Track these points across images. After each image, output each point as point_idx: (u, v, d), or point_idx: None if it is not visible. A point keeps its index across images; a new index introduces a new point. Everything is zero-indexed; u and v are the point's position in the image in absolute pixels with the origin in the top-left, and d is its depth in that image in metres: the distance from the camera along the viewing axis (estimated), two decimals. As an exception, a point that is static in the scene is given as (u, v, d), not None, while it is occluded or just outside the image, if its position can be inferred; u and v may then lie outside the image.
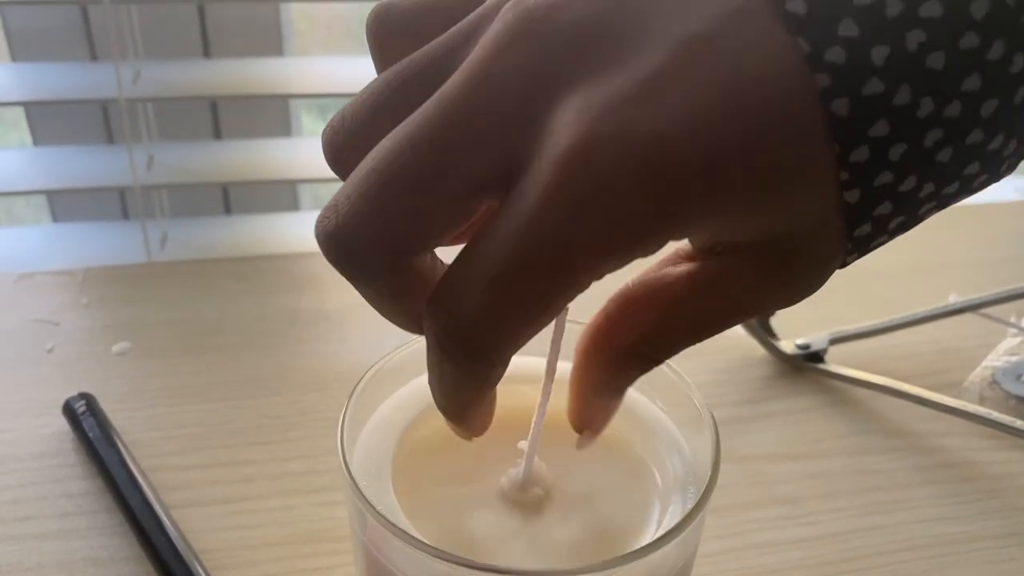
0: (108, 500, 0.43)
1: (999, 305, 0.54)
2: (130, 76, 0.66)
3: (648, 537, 0.28)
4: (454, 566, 0.25)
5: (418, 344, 0.32)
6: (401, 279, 0.22)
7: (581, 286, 0.20)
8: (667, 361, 0.23)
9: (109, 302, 0.57)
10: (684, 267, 0.22)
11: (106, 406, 0.47)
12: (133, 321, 0.55)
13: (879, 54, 0.18)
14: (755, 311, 0.23)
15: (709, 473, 0.28)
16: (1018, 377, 0.51)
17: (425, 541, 0.26)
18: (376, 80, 0.22)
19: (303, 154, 0.72)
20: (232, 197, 0.77)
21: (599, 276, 0.20)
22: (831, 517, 0.44)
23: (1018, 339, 0.54)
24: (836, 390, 0.52)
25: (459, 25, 0.22)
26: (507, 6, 0.20)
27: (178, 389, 0.50)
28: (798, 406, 0.51)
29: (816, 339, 0.53)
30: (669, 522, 0.29)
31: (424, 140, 0.20)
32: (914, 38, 0.18)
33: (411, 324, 0.23)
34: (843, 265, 0.22)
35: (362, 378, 0.31)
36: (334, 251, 0.21)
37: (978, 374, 0.52)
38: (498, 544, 0.28)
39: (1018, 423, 0.46)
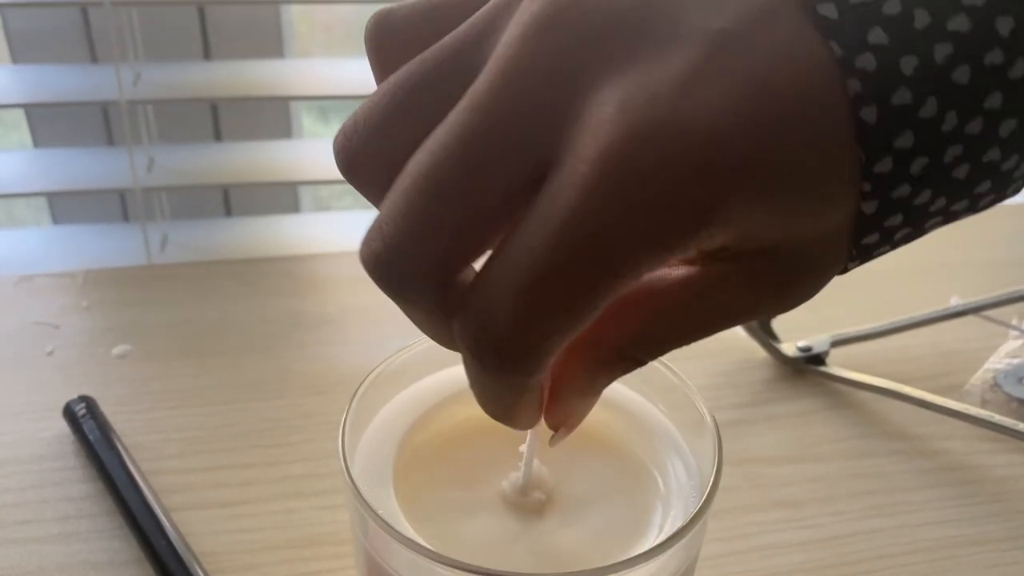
0: (108, 503, 0.43)
1: (1000, 308, 0.54)
2: (130, 78, 0.66)
3: (650, 541, 0.28)
4: (455, 570, 0.25)
5: (420, 347, 0.32)
6: (451, 295, 0.21)
7: (618, 289, 0.19)
8: (668, 364, 0.23)
9: (109, 304, 0.57)
10: (681, 271, 0.22)
11: (106, 409, 0.47)
12: (133, 324, 0.55)
13: (908, 64, 0.18)
14: (750, 317, 0.22)
15: (711, 477, 0.28)
16: (1020, 380, 0.51)
17: (426, 545, 0.26)
18: (387, 83, 0.21)
19: (304, 156, 0.72)
20: (233, 199, 0.77)
21: (636, 278, 0.19)
22: (832, 520, 0.44)
23: (1019, 342, 0.54)
24: (837, 393, 0.52)
25: (473, 20, 0.21)
26: (527, 1, 0.20)
27: (179, 392, 0.50)
28: (799, 409, 0.50)
29: (817, 341, 0.53)
30: (671, 526, 0.29)
31: (462, 149, 0.19)
32: (942, 51, 0.18)
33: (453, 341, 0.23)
34: (843, 271, 0.22)
35: (363, 382, 0.31)
36: (385, 274, 0.20)
37: (980, 377, 0.52)
38: (499, 548, 0.28)
39: (1020, 426, 0.45)
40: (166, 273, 0.61)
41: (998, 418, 0.46)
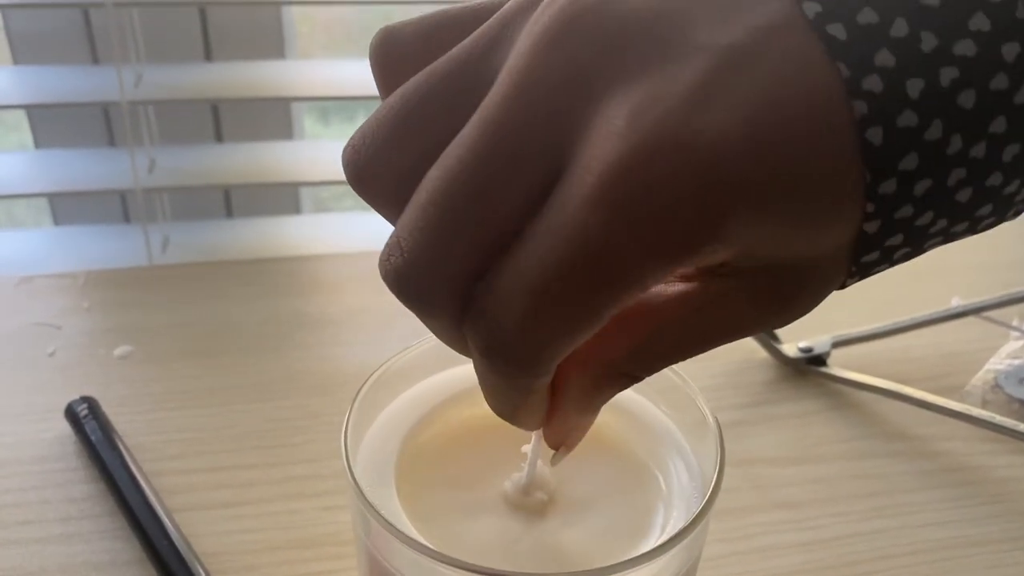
0: (110, 504, 0.43)
1: (1002, 308, 0.54)
2: (132, 79, 0.66)
3: (652, 542, 0.28)
4: (457, 570, 0.25)
5: (422, 348, 0.32)
6: (466, 303, 0.21)
7: (623, 299, 0.19)
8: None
9: (110, 305, 0.57)
10: (679, 286, 0.22)
11: (108, 410, 0.47)
12: (135, 324, 0.55)
13: (914, 87, 0.18)
14: (747, 332, 0.22)
15: (713, 478, 0.28)
16: (1021, 380, 0.51)
17: (429, 545, 0.26)
18: (395, 95, 0.21)
19: (305, 157, 0.72)
20: (234, 200, 0.77)
21: (642, 288, 0.19)
22: (833, 521, 0.44)
23: (1021, 342, 0.54)
24: (838, 393, 0.52)
25: (482, 30, 0.21)
26: (542, 6, 0.20)
27: (180, 393, 0.50)
28: (800, 410, 0.50)
29: (819, 342, 0.53)
30: (673, 527, 0.29)
31: (477, 163, 0.19)
32: (948, 74, 0.18)
33: None
34: (842, 287, 0.22)
35: (366, 382, 0.31)
36: (405, 289, 0.21)
37: (980, 377, 0.52)
38: (501, 548, 0.28)
39: (1021, 427, 0.46)
40: (167, 274, 0.61)
41: (999, 419, 0.46)
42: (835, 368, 0.52)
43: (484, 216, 0.20)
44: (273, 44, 0.72)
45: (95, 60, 0.69)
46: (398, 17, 0.25)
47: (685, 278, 0.22)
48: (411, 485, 0.30)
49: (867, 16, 0.18)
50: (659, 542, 0.26)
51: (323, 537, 0.42)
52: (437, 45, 0.22)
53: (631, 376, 0.23)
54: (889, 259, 0.21)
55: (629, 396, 0.33)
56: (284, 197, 0.78)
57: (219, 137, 0.74)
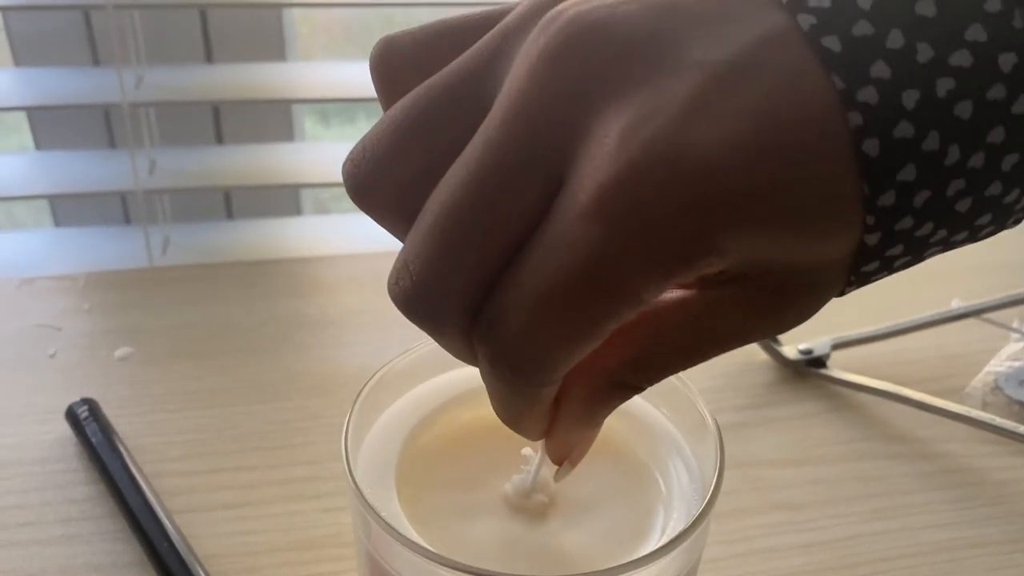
0: (111, 505, 0.43)
1: (1002, 310, 0.54)
2: (132, 81, 0.66)
3: (652, 544, 0.29)
4: (458, 573, 0.25)
5: (422, 350, 0.32)
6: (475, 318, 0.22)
7: (624, 311, 0.20)
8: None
9: (111, 307, 0.57)
10: (677, 294, 0.22)
11: (109, 411, 0.47)
12: (135, 326, 0.55)
13: (910, 98, 0.18)
14: (746, 340, 0.22)
15: (713, 480, 0.28)
16: (1021, 382, 0.51)
17: (429, 548, 0.26)
18: (395, 109, 0.22)
19: (305, 159, 0.72)
20: (234, 202, 0.77)
21: (641, 300, 0.20)
22: (833, 523, 0.44)
23: (1021, 344, 0.54)
24: (838, 395, 0.52)
25: (480, 46, 0.21)
26: (540, 26, 0.20)
27: (181, 394, 0.50)
28: (800, 411, 0.51)
29: (818, 344, 0.53)
30: (673, 529, 0.29)
31: (479, 185, 0.20)
32: (944, 85, 0.18)
33: None
34: (840, 295, 0.22)
35: (366, 384, 0.31)
36: (416, 310, 0.21)
37: (981, 379, 0.52)
38: (502, 551, 0.28)
39: (1021, 429, 0.46)
40: (168, 276, 0.61)
41: (999, 421, 0.46)
42: (835, 370, 0.52)
43: (488, 234, 0.20)
44: (274, 46, 0.72)
45: (96, 62, 0.69)
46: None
47: (683, 285, 0.22)
48: (411, 487, 0.30)
49: (862, 28, 0.18)
50: (659, 544, 0.26)
51: (323, 539, 0.42)
52: (437, 54, 0.22)
53: (631, 386, 0.23)
54: (889, 268, 0.21)
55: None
56: (285, 199, 0.78)
57: (220, 139, 0.74)
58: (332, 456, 0.46)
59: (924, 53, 0.18)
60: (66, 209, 0.76)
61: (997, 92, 0.18)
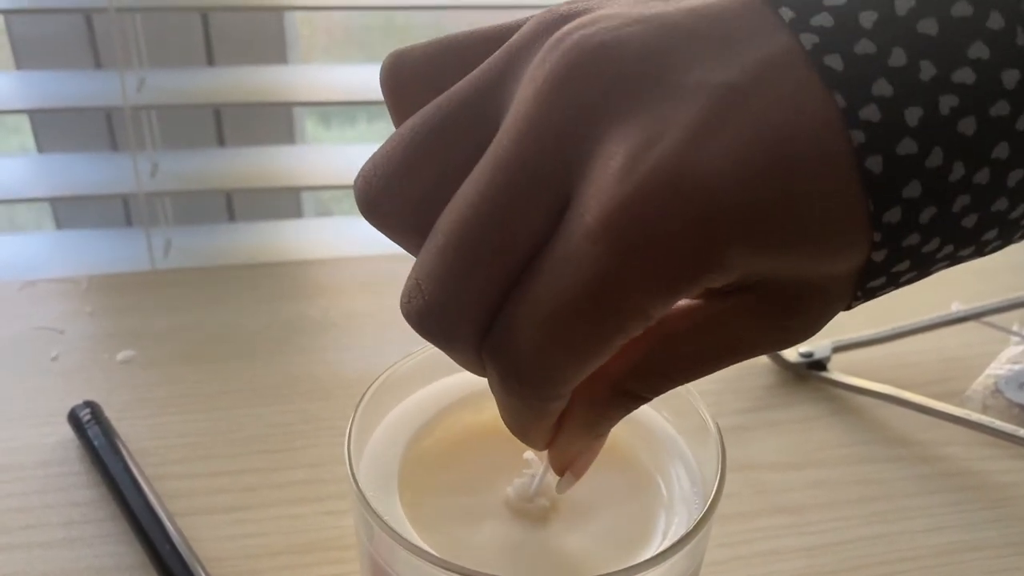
0: (113, 508, 0.43)
1: (1002, 313, 0.54)
2: (134, 84, 0.66)
3: (654, 548, 0.29)
4: (460, 577, 0.25)
5: (424, 353, 0.32)
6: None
7: (631, 327, 0.20)
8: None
9: (113, 310, 0.57)
10: (683, 304, 0.22)
11: (111, 414, 0.48)
12: (137, 329, 0.55)
13: (912, 115, 0.18)
14: (751, 353, 0.22)
15: (715, 484, 0.28)
16: (1021, 386, 0.51)
17: (431, 552, 0.26)
18: (404, 127, 0.22)
19: (307, 161, 0.72)
20: (236, 204, 0.77)
21: (647, 317, 0.20)
22: (834, 526, 0.44)
23: (1021, 347, 0.54)
24: (839, 398, 0.52)
25: (487, 66, 0.22)
26: (545, 48, 0.20)
27: (183, 397, 0.50)
28: (801, 415, 0.51)
29: (819, 347, 0.53)
30: (675, 533, 0.29)
31: (488, 205, 0.20)
32: (947, 102, 0.18)
33: None
34: (847, 308, 0.22)
35: (369, 388, 0.31)
36: (429, 328, 0.22)
37: (981, 383, 0.52)
38: (504, 554, 0.29)
39: (1021, 432, 0.46)
40: (170, 278, 0.61)
41: (999, 424, 0.46)
42: (836, 373, 0.52)
43: (498, 252, 0.20)
44: (275, 48, 0.72)
45: (98, 65, 0.69)
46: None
47: (692, 296, 0.23)
48: (414, 491, 0.30)
49: (865, 47, 0.18)
50: (661, 549, 0.26)
51: (325, 542, 0.42)
52: (446, 68, 0.22)
53: (636, 395, 0.23)
54: (895, 283, 0.21)
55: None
56: (286, 201, 0.79)
57: (221, 141, 0.74)
58: (334, 459, 0.46)
59: (927, 71, 0.18)
60: (68, 212, 0.76)
61: (1001, 109, 0.18)
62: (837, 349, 0.53)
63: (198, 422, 0.49)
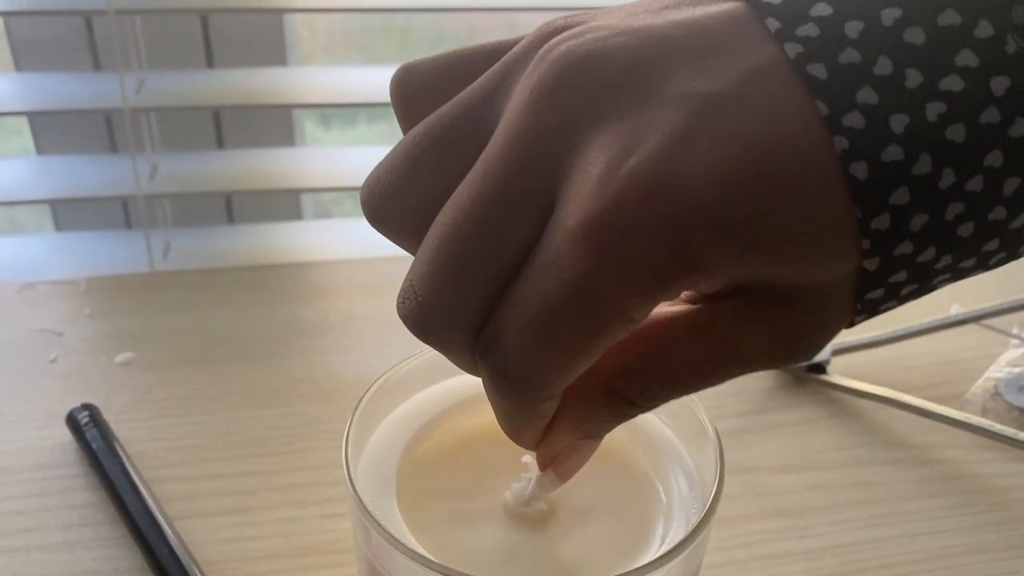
0: (111, 511, 0.43)
1: (1001, 316, 0.54)
2: (134, 86, 0.66)
3: (652, 553, 0.29)
4: (458, 581, 0.25)
5: (422, 357, 0.32)
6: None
7: (615, 329, 0.20)
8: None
9: (112, 312, 0.57)
10: (681, 307, 0.23)
11: (109, 417, 0.48)
12: (136, 331, 0.55)
13: (898, 122, 0.18)
14: (743, 365, 0.22)
15: (713, 488, 0.28)
16: (1020, 388, 0.51)
17: (429, 556, 0.26)
18: (408, 137, 0.23)
19: (306, 163, 0.72)
20: (235, 206, 0.77)
21: (630, 320, 0.20)
22: (833, 529, 0.44)
23: (1020, 350, 0.54)
24: (838, 401, 0.52)
25: (486, 78, 0.22)
26: (536, 58, 0.21)
27: (181, 400, 0.50)
28: (800, 417, 0.51)
29: (818, 350, 0.53)
30: (673, 538, 0.29)
31: (478, 210, 0.21)
32: (934, 109, 0.18)
33: None
34: (851, 325, 0.22)
35: (367, 391, 0.31)
36: (423, 328, 0.22)
37: (980, 385, 0.52)
38: (501, 559, 0.29)
39: (1020, 435, 0.46)
40: (169, 280, 0.61)
41: (999, 427, 0.46)
42: (835, 376, 0.52)
43: (487, 257, 0.21)
44: (275, 50, 0.72)
45: (97, 67, 0.69)
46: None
47: (689, 300, 0.23)
48: (411, 495, 0.30)
49: (849, 56, 0.18)
50: (659, 553, 0.26)
51: (323, 545, 0.42)
52: (453, 80, 0.23)
53: (626, 398, 0.23)
54: (896, 296, 0.21)
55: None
56: (286, 203, 0.78)
57: (221, 143, 0.74)
58: (332, 462, 0.46)
59: (913, 79, 0.18)
60: (67, 213, 0.76)
61: (991, 116, 0.18)
62: (837, 352, 0.53)
63: (197, 424, 0.48)
